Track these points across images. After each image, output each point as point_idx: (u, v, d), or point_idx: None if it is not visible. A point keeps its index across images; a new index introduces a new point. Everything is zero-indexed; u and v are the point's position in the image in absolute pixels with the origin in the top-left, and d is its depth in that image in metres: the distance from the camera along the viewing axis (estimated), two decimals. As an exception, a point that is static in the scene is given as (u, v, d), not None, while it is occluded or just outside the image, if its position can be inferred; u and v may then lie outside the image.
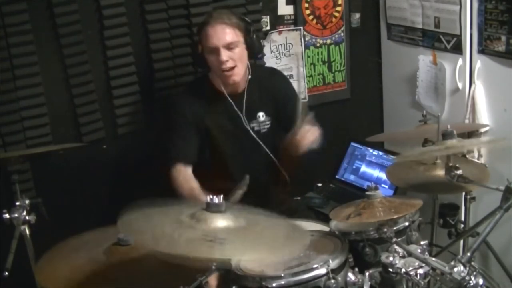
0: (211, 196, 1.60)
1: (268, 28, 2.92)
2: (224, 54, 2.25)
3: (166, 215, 1.55)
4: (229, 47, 2.25)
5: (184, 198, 2.20)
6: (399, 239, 1.83)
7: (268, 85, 2.50)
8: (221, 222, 1.48)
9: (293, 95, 2.59)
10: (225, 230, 1.47)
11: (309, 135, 2.24)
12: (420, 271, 1.68)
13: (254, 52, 2.38)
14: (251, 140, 2.44)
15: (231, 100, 2.39)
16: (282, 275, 1.79)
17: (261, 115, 2.46)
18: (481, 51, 2.53)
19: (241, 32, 2.29)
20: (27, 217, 1.91)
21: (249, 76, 2.41)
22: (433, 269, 1.66)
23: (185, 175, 2.30)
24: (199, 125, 2.38)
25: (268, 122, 2.47)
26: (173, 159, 2.32)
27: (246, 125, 2.42)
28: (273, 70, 2.71)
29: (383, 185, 2.83)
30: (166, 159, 2.32)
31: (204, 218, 1.48)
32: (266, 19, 2.90)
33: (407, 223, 2.02)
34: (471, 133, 2.57)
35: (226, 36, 2.25)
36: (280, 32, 2.96)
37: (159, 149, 2.43)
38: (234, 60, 2.27)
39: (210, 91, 2.40)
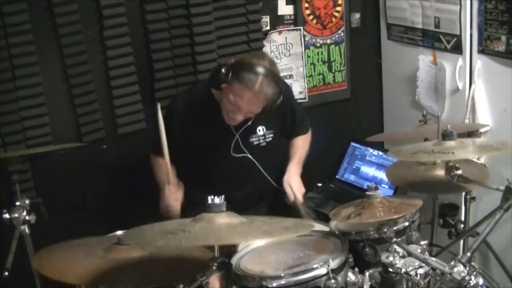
0: (212, 197, 1.60)
1: (268, 28, 2.92)
2: (240, 117, 2.20)
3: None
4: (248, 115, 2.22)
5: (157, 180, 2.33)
6: (399, 239, 1.83)
7: None
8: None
9: (294, 103, 2.58)
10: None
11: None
12: (420, 271, 1.68)
13: None
14: (251, 154, 2.38)
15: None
16: (282, 275, 1.79)
17: (261, 129, 2.39)
18: (481, 51, 2.53)
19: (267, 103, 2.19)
20: (27, 217, 1.91)
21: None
22: (433, 269, 1.67)
23: (160, 160, 2.32)
24: (188, 133, 2.33)
25: (269, 136, 2.41)
26: (156, 149, 2.33)
27: (247, 138, 2.36)
28: None
29: (383, 185, 2.83)
30: (153, 146, 2.37)
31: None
32: (266, 19, 2.90)
33: (407, 223, 2.02)
34: (471, 133, 2.57)
35: (252, 108, 2.18)
36: (280, 32, 2.96)
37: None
38: (243, 117, 2.23)
39: (209, 103, 2.31)
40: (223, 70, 2.13)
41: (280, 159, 2.51)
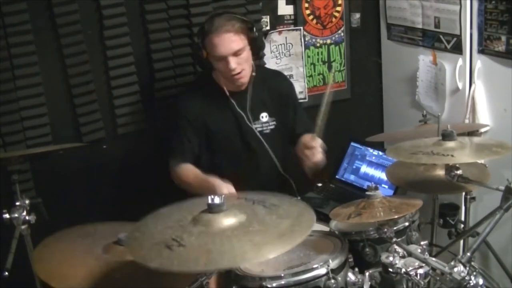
0: (211, 196, 1.60)
1: (268, 28, 2.92)
2: (233, 62, 2.24)
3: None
4: (236, 54, 2.24)
5: (193, 190, 2.17)
6: (399, 239, 1.83)
7: (273, 86, 2.49)
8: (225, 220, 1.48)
9: (296, 99, 2.64)
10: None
11: (315, 154, 2.22)
12: (420, 271, 1.68)
13: (258, 51, 2.40)
14: (255, 141, 2.43)
15: (233, 100, 2.39)
16: (282, 275, 1.79)
17: (264, 116, 2.44)
18: (481, 51, 2.53)
19: (245, 36, 2.27)
20: (27, 217, 1.91)
21: (253, 73, 2.40)
22: (433, 269, 1.66)
23: (187, 168, 2.32)
24: (200, 125, 2.38)
25: (272, 123, 2.46)
26: (174, 159, 2.34)
27: (250, 125, 2.41)
28: (278, 72, 2.73)
29: (383, 185, 2.83)
30: (168, 159, 2.35)
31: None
32: (266, 19, 2.90)
33: (407, 223, 2.02)
34: (471, 133, 2.57)
35: (233, 44, 2.22)
36: (280, 32, 2.96)
37: (164, 148, 2.43)
38: (241, 64, 2.27)
39: (213, 90, 2.39)
40: (197, 47, 2.29)
41: (282, 152, 2.51)
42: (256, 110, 2.43)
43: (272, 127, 2.46)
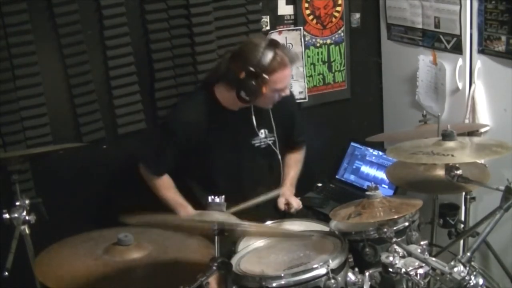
0: (212, 196, 1.61)
1: (268, 28, 2.92)
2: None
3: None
4: None
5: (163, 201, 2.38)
6: (399, 239, 1.83)
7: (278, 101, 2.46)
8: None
9: (295, 110, 2.65)
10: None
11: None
12: (420, 271, 1.68)
13: None
14: (250, 156, 2.43)
15: (237, 116, 2.36)
16: (282, 275, 1.79)
17: (264, 132, 2.43)
18: (481, 51, 2.53)
19: None
20: (27, 217, 1.91)
21: None
22: (433, 269, 1.67)
23: (164, 181, 2.40)
24: (191, 144, 2.34)
25: (270, 138, 2.44)
26: (149, 167, 2.40)
27: (249, 140, 2.41)
28: None
29: (383, 185, 2.83)
30: (142, 162, 2.42)
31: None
32: (266, 19, 2.90)
33: (407, 223, 2.02)
34: (471, 133, 2.57)
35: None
36: (280, 32, 2.96)
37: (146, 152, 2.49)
38: None
39: (214, 105, 2.35)
40: (252, 82, 2.19)
41: (279, 163, 2.53)
42: (258, 127, 2.40)
43: (270, 142, 2.45)
